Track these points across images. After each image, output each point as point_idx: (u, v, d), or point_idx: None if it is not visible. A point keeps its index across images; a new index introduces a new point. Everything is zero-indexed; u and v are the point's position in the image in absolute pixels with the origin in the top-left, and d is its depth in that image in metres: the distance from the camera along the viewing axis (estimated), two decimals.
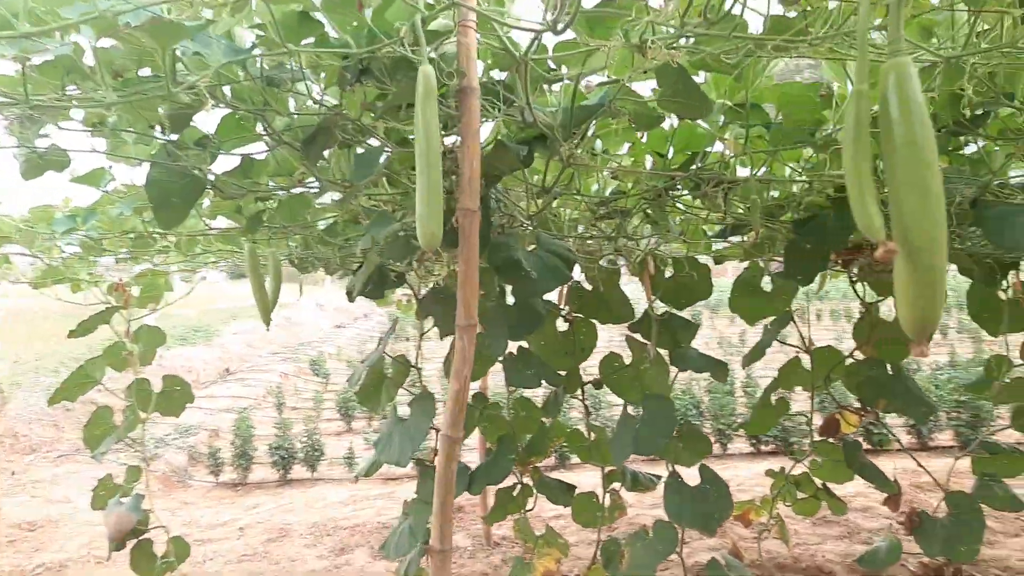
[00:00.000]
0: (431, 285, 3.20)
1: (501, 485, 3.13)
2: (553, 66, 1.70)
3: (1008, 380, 3.16)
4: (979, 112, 1.70)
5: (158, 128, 1.67)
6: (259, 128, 1.73)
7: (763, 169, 1.99)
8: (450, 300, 2.94)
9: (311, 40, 1.44)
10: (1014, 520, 4.13)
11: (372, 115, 1.60)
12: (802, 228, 2.26)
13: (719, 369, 2.85)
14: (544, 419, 3.15)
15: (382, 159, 1.49)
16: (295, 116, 1.66)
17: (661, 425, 2.59)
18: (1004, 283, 2.91)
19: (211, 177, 1.83)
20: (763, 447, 6.25)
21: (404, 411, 2.76)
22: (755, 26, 1.43)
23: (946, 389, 6.40)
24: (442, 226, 1.22)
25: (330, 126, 1.64)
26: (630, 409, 2.80)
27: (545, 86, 1.80)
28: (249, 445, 7.88)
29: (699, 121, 2.04)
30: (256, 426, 8.62)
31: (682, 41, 1.30)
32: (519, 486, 3.21)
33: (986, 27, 1.43)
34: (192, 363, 13.87)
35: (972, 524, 2.95)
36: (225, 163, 1.82)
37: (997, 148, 2.05)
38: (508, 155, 1.84)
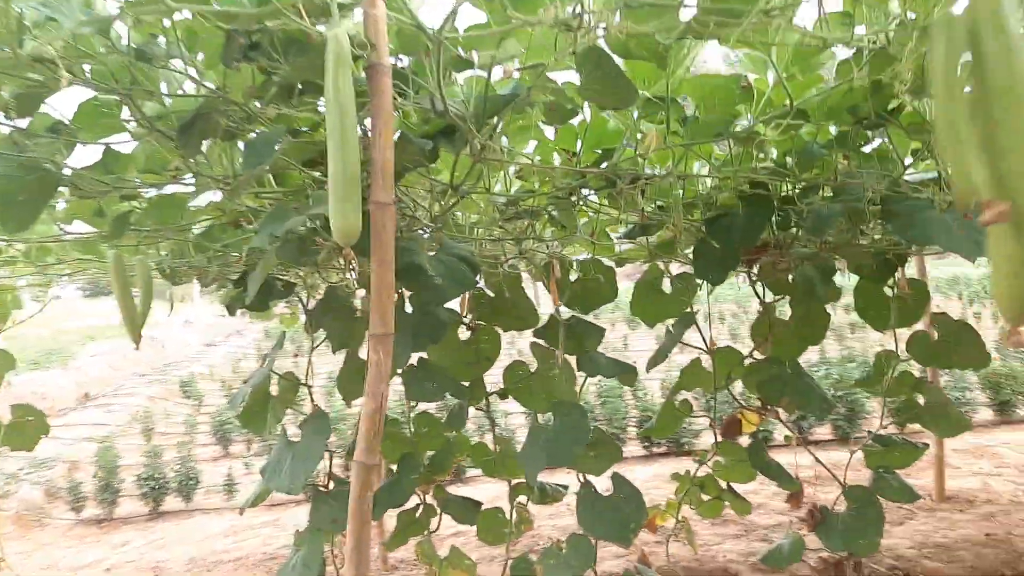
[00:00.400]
0: (320, 295, 2.97)
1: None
2: (462, 53, 1.56)
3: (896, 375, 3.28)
4: (897, 104, 1.69)
5: (1, 112, 1.40)
6: (125, 114, 1.48)
7: (676, 165, 1.92)
8: (345, 310, 2.75)
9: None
10: (897, 509, 4.33)
11: (261, 99, 1.40)
12: (713, 227, 2.22)
13: (628, 373, 2.78)
14: (448, 433, 2.98)
15: (277, 146, 1.29)
16: (169, 100, 1.44)
17: (574, 434, 2.48)
18: (891, 280, 3.02)
19: (67, 172, 1.56)
20: (656, 449, 6.33)
21: (293, 431, 2.53)
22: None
23: (823, 385, 6.70)
24: (361, 218, 1.05)
25: (211, 112, 1.43)
26: (539, 418, 2.69)
27: (455, 74, 1.65)
28: (114, 477, 7.24)
29: (609, 116, 1.96)
30: (122, 455, 7.94)
31: (614, 21, 1.18)
32: (422, 506, 3.03)
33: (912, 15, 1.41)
34: (46, 389, 12.71)
35: (871, 517, 3.02)
36: (84, 155, 1.55)
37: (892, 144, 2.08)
38: (411, 149, 1.68)
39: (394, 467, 2.87)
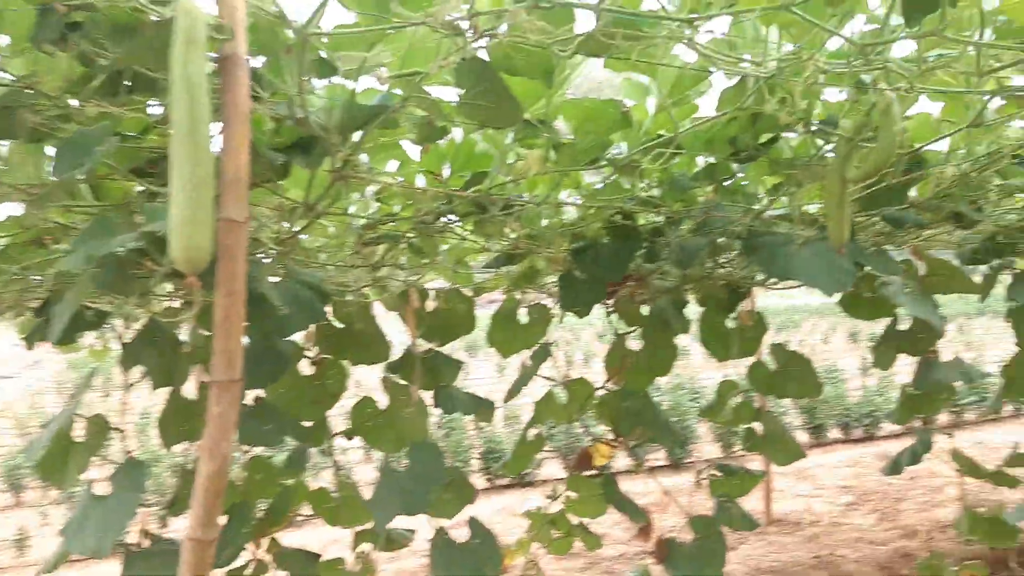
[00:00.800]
0: (140, 326, 2.60)
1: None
2: (325, 55, 1.37)
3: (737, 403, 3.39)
4: (770, 138, 1.69)
5: None
6: None
7: (552, 192, 1.82)
8: (169, 343, 2.41)
9: None
10: (730, 534, 4.47)
11: (80, 93, 1.14)
12: (580, 257, 2.14)
13: (485, 409, 2.65)
14: (285, 480, 2.70)
15: (99, 148, 1.04)
16: None
17: (430, 478, 2.30)
18: (733, 312, 3.11)
19: None
20: (499, 481, 6.24)
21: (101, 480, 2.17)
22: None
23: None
24: (211, 238, 0.84)
25: (14, 107, 1.15)
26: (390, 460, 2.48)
27: (315, 80, 1.46)
28: None
29: (477, 138, 1.84)
30: None
31: (521, 19, 1.05)
32: (253, 563, 2.71)
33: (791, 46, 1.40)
34: None
35: (714, 547, 3.07)
36: None
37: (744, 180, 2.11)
38: (260, 162, 1.47)
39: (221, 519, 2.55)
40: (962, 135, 1.85)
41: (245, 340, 2.04)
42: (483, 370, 14.81)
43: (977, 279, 3.15)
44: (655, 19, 1.09)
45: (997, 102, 1.74)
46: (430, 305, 2.55)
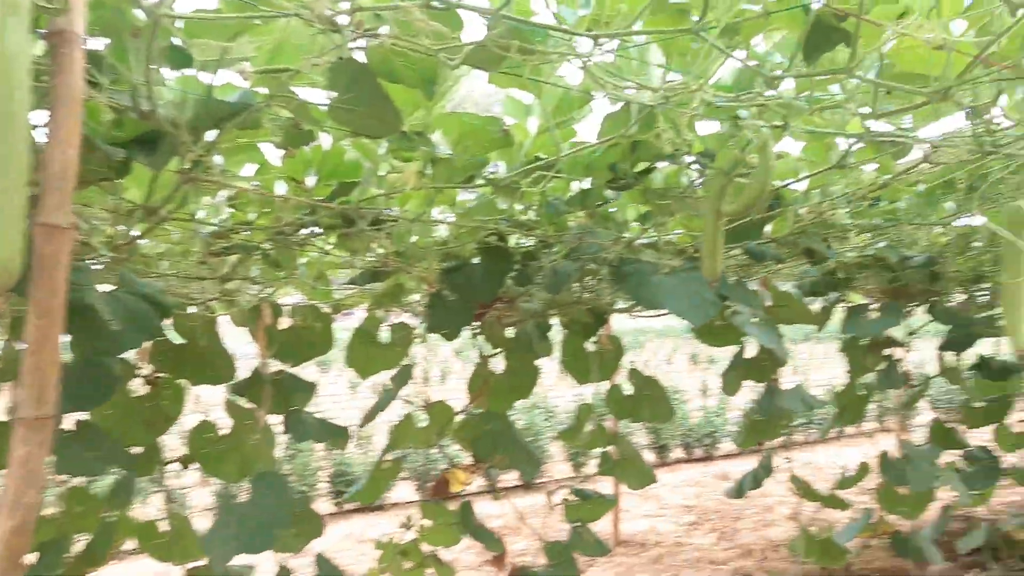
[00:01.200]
0: None
1: None
2: (177, 42, 1.21)
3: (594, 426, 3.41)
4: (646, 167, 1.68)
5: None
6: None
7: (426, 208, 1.73)
8: None
9: None
10: (578, 557, 4.50)
11: None
12: (451, 278, 2.06)
13: (339, 437, 2.49)
14: (108, 513, 2.41)
15: None
16: None
17: (275, 512, 2.12)
18: (595, 336, 3.13)
19: None
20: (347, 505, 5.97)
21: None
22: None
23: None
24: (21, 250, 0.68)
25: None
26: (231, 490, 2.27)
27: (165, 70, 1.28)
28: None
29: (347, 146, 1.71)
30: None
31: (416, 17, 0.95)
32: None
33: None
34: None
35: (568, 574, 3.06)
36: None
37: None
38: (95, 157, 1.28)
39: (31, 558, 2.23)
40: (821, 175, 1.93)
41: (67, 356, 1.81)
42: (335, 387, 14.31)
43: (815, 309, 3.36)
44: (567, 33, 1.03)
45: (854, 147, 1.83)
46: (284, 322, 2.37)
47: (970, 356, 3.62)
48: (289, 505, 2.15)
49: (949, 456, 3.73)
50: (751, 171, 1.47)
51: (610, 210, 2.09)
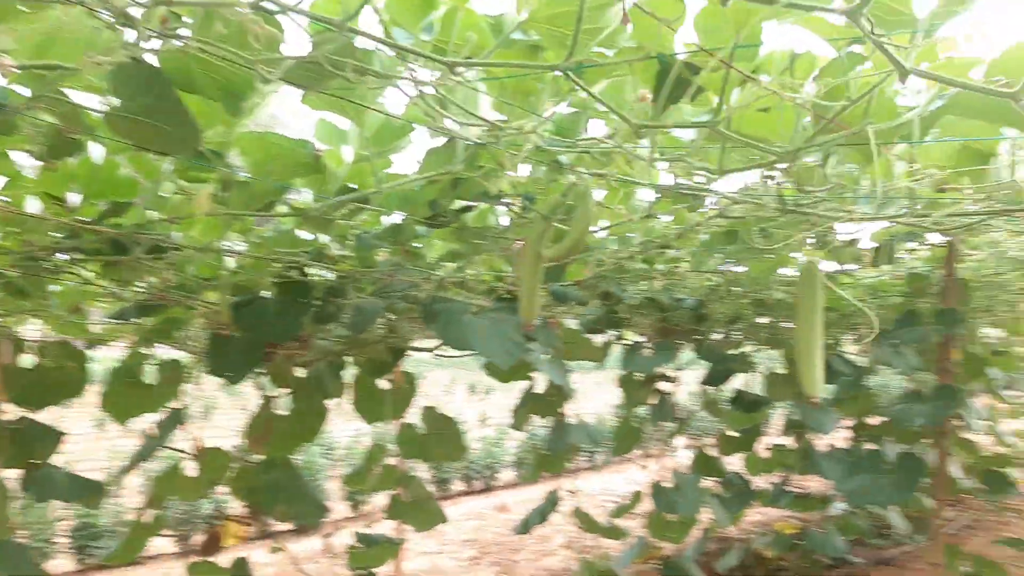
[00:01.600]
0: None
1: None
2: None
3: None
4: (464, 205, 1.62)
5: None
6: None
7: (220, 236, 1.53)
8: None
9: None
10: None
11: None
12: (240, 313, 1.85)
13: (92, 494, 2.14)
14: None
15: None
16: None
17: None
18: (389, 373, 3.01)
19: None
20: (91, 560, 5.18)
21: None
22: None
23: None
24: None
25: None
26: None
27: None
28: None
29: (122, 160, 1.48)
30: None
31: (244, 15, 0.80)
32: None
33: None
34: None
35: None
36: None
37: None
38: None
39: None
40: (620, 223, 1.99)
41: None
42: (79, 425, 12.62)
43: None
44: (425, 58, 0.93)
45: (651, 196, 1.91)
46: (27, 360, 2.00)
47: (727, 389, 3.97)
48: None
49: (706, 481, 4.03)
50: (570, 217, 1.46)
51: (417, 247, 2.01)
